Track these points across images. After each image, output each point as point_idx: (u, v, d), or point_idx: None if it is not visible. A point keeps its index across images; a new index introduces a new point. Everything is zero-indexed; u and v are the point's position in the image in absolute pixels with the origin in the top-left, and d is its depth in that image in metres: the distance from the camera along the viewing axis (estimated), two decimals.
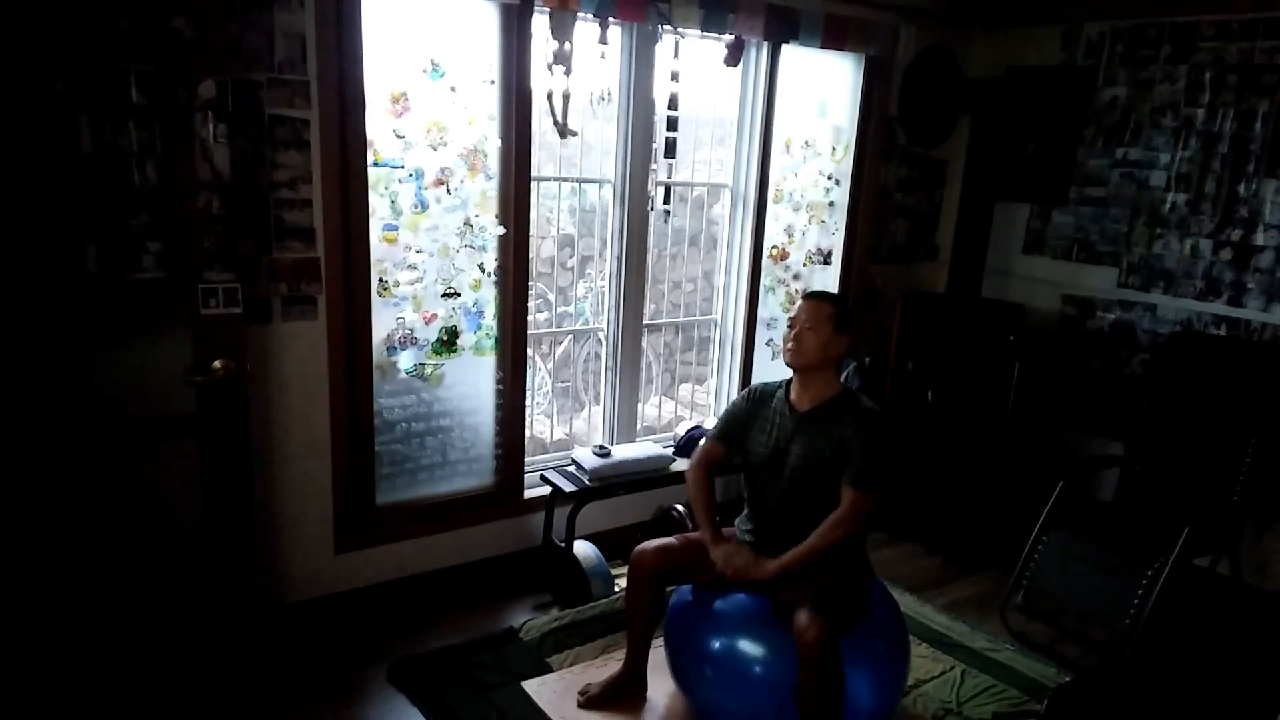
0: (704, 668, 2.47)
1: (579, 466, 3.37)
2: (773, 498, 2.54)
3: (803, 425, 2.48)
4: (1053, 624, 3.26)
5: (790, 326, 2.50)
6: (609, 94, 3.37)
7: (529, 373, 3.41)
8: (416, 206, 2.99)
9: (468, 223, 3.11)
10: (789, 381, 2.58)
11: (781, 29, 3.50)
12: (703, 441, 2.72)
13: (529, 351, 3.38)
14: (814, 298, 2.53)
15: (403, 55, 2.86)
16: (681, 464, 3.53)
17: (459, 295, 3.15)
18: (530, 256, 3.28)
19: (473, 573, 3.35)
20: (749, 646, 2.40)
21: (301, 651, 2.84)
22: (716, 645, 2.44)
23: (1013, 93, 4.12)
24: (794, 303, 2.59)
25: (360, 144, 2.78)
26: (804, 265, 4.12)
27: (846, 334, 2.50)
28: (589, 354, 4.60)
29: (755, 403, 2.62)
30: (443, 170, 3.01)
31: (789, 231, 4.04)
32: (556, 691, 2.72)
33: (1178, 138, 3.64)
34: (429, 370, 3.16)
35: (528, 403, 3.43)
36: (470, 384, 3.28)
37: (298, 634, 2.89)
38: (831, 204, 4.11)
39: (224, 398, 2.34)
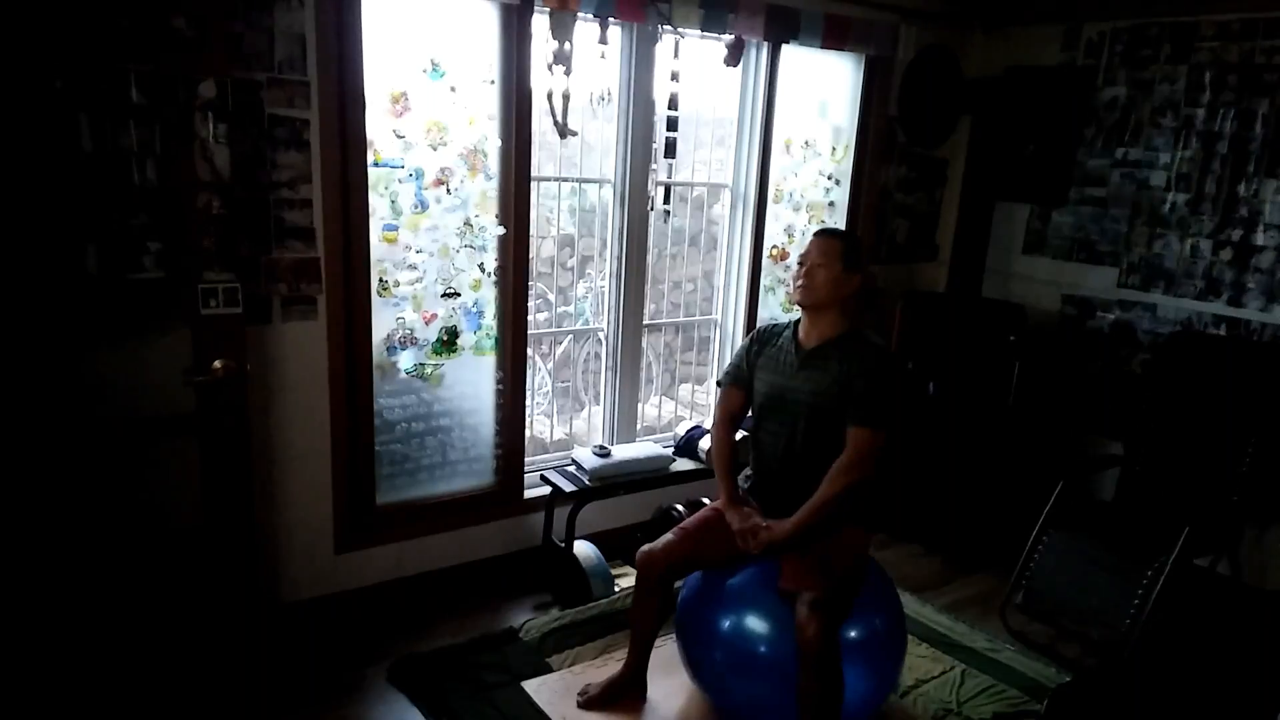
0: (716, 652, 2.47)
1: (579, 466, 3.37)
2: (778, 440, 2.51)
3: (808, 362, 2.46)
4: (1053, 624, 3.26)
5: (800, 264, 2.47)
6: (609, 94, 3.37)
7: (529, 373, 3.41)
8: (416, 206, 2.99)
9: (468, 223, 3.11)
10: (798, 321, 2.56)
11: (781, 29, 3.50)
12: (719, 393, 2.71)
13: (529, 351, 3.38)
14: (824, 235, 2.51)
15: (403, 55, 2.86)
16: (682, 464, 3.54)
17: (459, 295, 3.15)
18: (530, 256, 3.28)
19: (473, 573, 3.35)
20: (763, 630, 2.40)
21: (301, 651, 2.84)
22: (728, 628, 2.43)
23: (1013, 93, 4.12)
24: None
25: (360, 144, 2.78)
26: None
27: (857, 272, 2.46)
28: (589, 354, 4.60)
29: (762, 343, 2.61)
30: (443, 170, 3.01)
31: (789, 231, 4.04)
32: (556, 691, 2.72)
33: (1178, 138, 3.64)
34: (429, 370, 3.16)
35: (528, 403, 3.43)
36: (470, 384, 3.28)
37: (298, 634, 2.89)
38: (831, 204, 4.11)
39: (224, 398, 2.33)
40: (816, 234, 2.53)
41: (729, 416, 2.67)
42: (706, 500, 2.70)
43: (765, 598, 2.41)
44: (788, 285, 4.07)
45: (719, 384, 2.73)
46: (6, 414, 2.23)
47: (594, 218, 3.68)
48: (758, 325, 3.90)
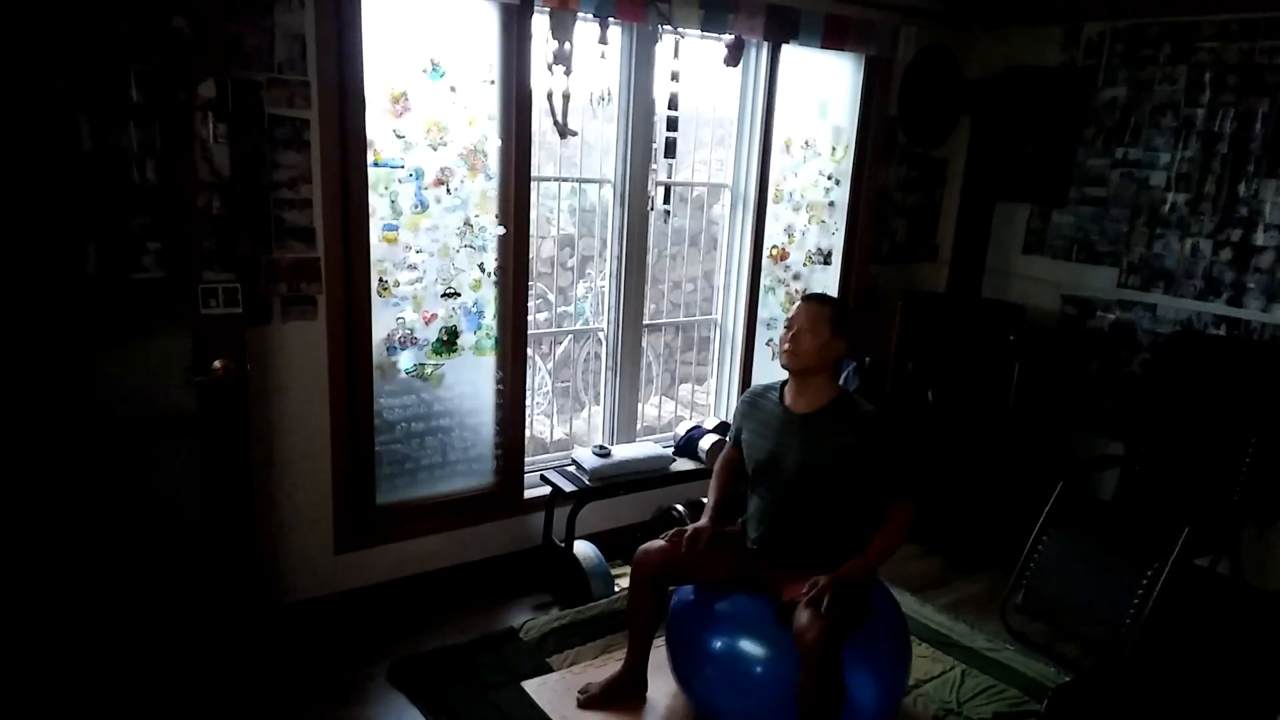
0: (705, 667, 2.47)
1: (579, 466, 3.37)
2: (771, 501, 2.54)
3: (799, 429, 2.47)
4: (1053, 624, 3.26)
5: (788, 328, 2.48)
6: (609, 94, 3.37)
7: (529, 373, 3.41)
8: (416, 206, 2.99)
9: (468, 223, 3.11)
10: (784, 383, 2.57)
11: (781, 29, 3.50)
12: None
13: (529, 351, 3.38)
14: (812, 300, 2.52)
15: (403, 55, 2.86)
16: (681, 464, 3.54)
17: (459, 295, 3.15)
18: (530, 256, 3.28)
19: (473, 573, 3.35)
20: (750, 646, 2.41)
21: (301, 651, 2.84)
22: (718, 645, 2.44)
23: (1013, 93, 4.12)
24: (794, 303, 2.57)
25: (360, 144, 2.78)
26: (804, 265, 4.12)
27: (844, 337, 2.48)
28: (589, 354, 4.60)
29: (752, 406, 2.63)
30: (443, 170, 3.01)
31: (789, 231, 4.04)
32: (556, 691, 2.72)
33: (1178, 138, 3.64)
34: (429, 370, 3.16)
35: (528, 403, 3.43)
36: (470, 384, 3.28)
37: (298, 634, 2.89)
38: (831, 204, 4.11)
39: (224, 398, 2.33)
40: (805, 298, 2.53)
41: (728, 466, 2.74)
42: (706, 500, 2.71)
43: (757, 619, 2.41)
44: (787, 285, 4.09)
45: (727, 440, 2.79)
46: (7, 414, 2.23)
47: (594, 218, 3.68)
48: (755, 329, 3.95)
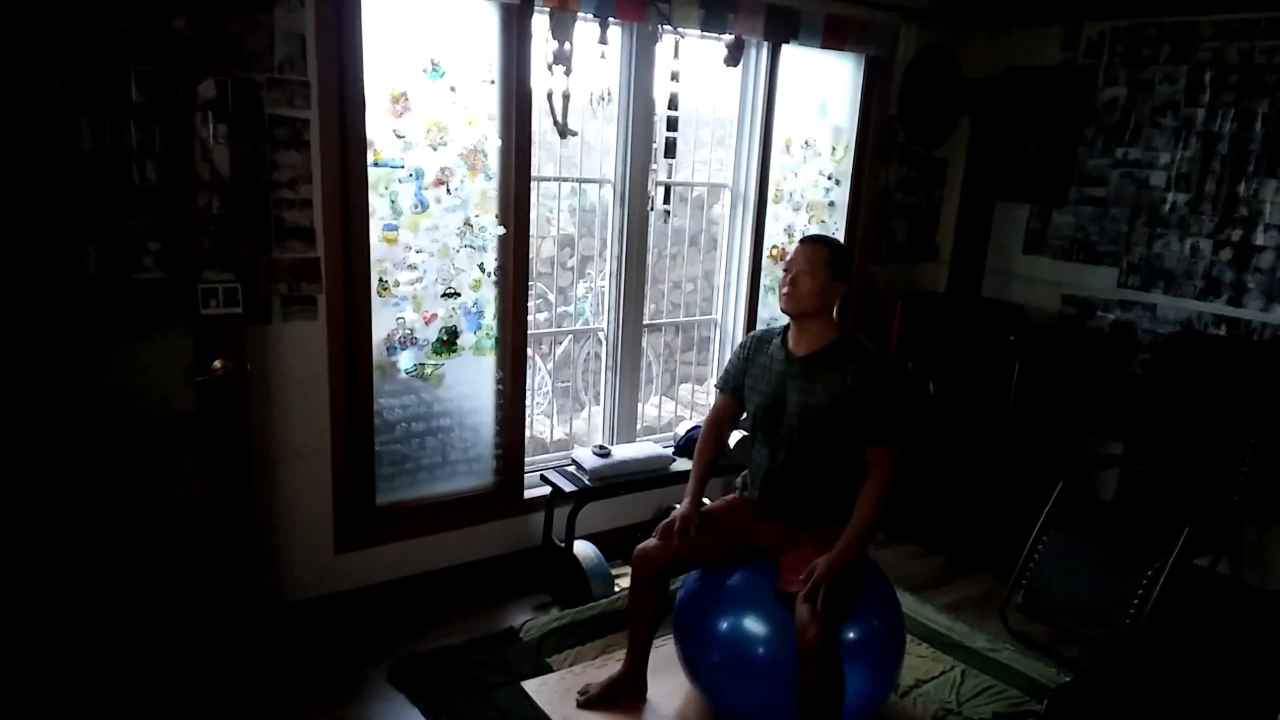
0: (714, 653, 2.46)
1: (579, 466, 3.37)
2: (773, 448, 2.50)
3: (801, 371, 2.43)
4: (1053, 624, 3.26)
5: (786, 271, 2.43)
6: (609, 94, 3.37)
7: (529, 373, 3.41)
8: (416, 206, 2.99)
9: (468, 223, 3.11)
10: (786, 327, 2.53)
11: (781, 29, 3.50)
12: (714, 398, 2.72)
13: (529, 351, 3.38)
14: (810, 241, 2.46)
15: (403, 55, 2.86)
16: (681, 464, 3.53)
17: (459, 295, 3.15)
18: (530, 256, 3.28)
19: (473, 573, 3.35)
20: (761, 631, 2.40)
21: (301, 651, 2.84)
22: (726, 628, 2.43)
23: (1013, 93, 4.12)
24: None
25: (360, 144, 2.78)
26: None
27: (844, 279, 2.43)
28: (589, 354, 4.60)
29: (753, 350, 2.60)
30: (443, 170, 3.01)
31: (789, 231, 4.04)
32: (556, 691, 2.72)
33: (1178, 138, 3.64)
34: (429, 370, 3.17)
35: (528, 403, 3.43)
36: (470, 384, 3.28)
37: (298, 634, 2.89)
38: (831, 204, 4.11)
39: (224, 398, 2.34)
40: (803, 240, 2.48)
41: (718, 422, 2.69)
42: (707, 500, 2.71)
43: (763, 598, 2.41)
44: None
45: (716, 388, 2.73)
46: (6, 414, 2.23)
47: (594, 218, 3.68)
48: (755, 328, 3.94)
